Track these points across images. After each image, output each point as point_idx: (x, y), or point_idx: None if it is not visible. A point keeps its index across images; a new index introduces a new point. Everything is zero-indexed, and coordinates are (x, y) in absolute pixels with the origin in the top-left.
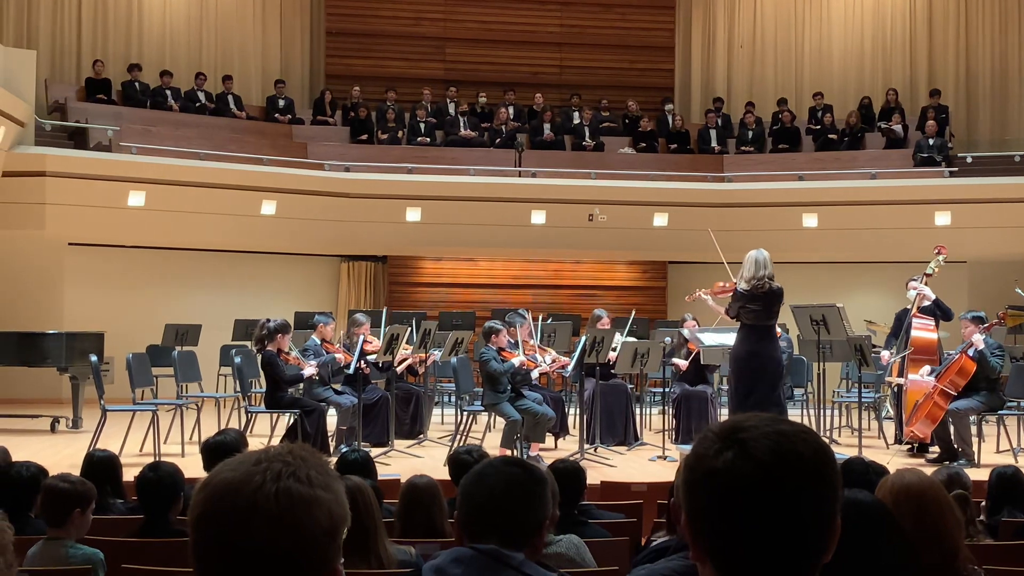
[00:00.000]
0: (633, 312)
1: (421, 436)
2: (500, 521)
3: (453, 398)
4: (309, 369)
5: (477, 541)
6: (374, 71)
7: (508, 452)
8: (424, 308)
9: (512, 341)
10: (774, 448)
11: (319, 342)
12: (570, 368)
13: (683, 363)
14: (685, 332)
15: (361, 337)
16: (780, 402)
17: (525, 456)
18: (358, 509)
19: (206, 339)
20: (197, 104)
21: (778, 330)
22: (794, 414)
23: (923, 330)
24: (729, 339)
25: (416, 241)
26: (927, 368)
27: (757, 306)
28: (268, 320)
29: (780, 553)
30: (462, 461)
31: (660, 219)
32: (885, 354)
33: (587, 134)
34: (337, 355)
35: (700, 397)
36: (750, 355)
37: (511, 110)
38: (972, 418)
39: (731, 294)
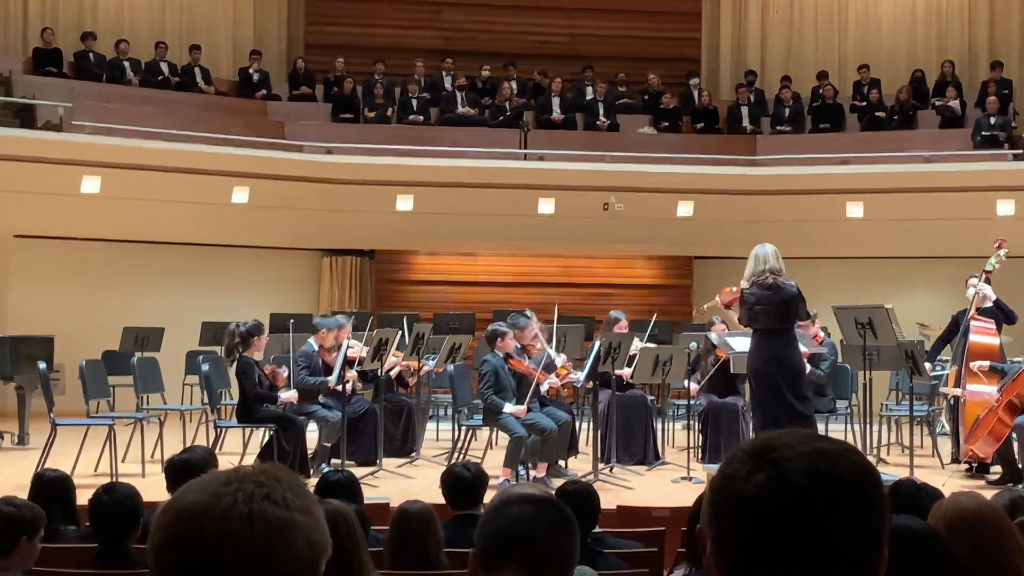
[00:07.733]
0: (654, 315)
1: (413, 454)
2: (522, 554)
3: (450, 411)
4: (284, 395)
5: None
6: (360, 40)
7: (511, 472)
8: (417, 309)
9: (520, 346)
10: (812, 469)
11: (316, 349)
12: (581, 378)
13: (695, 387)
14: (713, 336)
15: (346, 343)
16: (809, 415)
17: (531, 478)
18: (340, 537)
19: (170, 344)
20: (159, 77)
21: (820, 334)
22: (836, 429)
23: (983, 334)
24: None
25: (407, 233)
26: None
27: (765, 306)
28: (237, 324)
29: None
30: (458, 476)
31: (684, 208)
32: (928, 367)
33: (601, 112)
34: (330, 378)
35: (730, 410)
36: (766, 363)
37: (515, 85)
38: None
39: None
